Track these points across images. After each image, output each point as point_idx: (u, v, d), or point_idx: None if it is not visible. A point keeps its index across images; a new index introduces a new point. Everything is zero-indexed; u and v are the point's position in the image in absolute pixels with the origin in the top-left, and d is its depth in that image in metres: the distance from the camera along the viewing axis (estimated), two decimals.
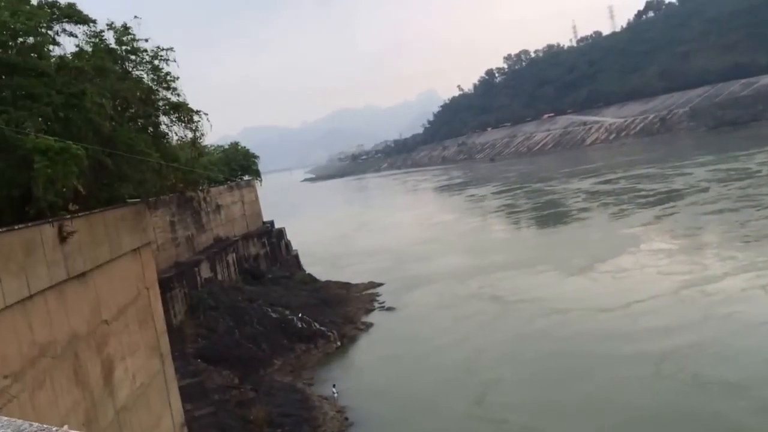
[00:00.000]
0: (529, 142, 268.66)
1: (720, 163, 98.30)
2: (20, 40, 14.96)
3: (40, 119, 13.68)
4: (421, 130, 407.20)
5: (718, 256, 43.47)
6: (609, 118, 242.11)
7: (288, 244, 61.74)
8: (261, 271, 51.38)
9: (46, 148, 12.84)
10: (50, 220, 13.79)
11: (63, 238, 14.44)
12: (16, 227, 13.20)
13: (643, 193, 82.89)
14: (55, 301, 15.26)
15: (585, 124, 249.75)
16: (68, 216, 14.27)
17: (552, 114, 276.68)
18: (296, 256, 60.92)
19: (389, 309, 44.62)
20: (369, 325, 41.59)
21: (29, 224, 13.59)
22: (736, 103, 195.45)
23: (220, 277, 42.87)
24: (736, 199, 64.08)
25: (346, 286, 52.16)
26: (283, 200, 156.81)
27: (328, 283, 52.76)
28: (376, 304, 46.33)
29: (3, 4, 14.74)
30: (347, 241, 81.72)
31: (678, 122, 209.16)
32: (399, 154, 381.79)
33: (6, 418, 1.74)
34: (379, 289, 50.36)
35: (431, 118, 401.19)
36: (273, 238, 58.32)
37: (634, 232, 57.56)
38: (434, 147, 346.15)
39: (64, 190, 13.11)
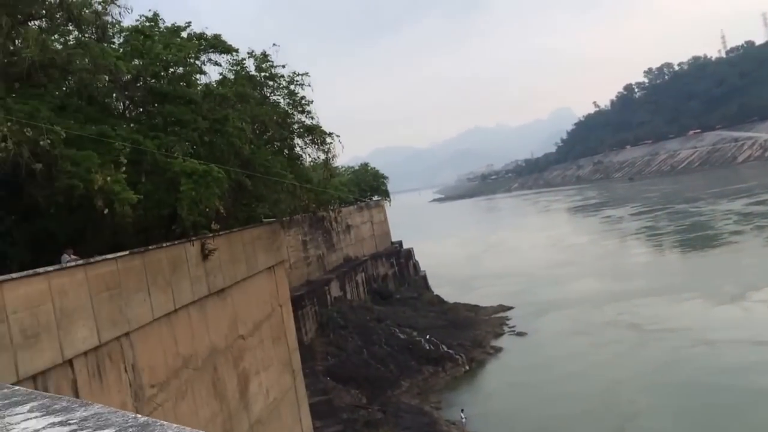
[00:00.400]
0: (673, 160, 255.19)
1: None
2: (171, 70, 16.31)
3: (187, 144, 14.81)
4: (553, 149, 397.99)
5: None
6: (764, 133, 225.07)
7: (416, 265, 62.25)
8: (389, 291, 52.13)
9: (192, 171, 13.89)
10: (193, 238, 14.85)
11: (205, 255, 15.50)
12: (164, 245, 14.34)
13: None
14: (197, 316, 16.35)
15: (736, 140, 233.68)
16: (210, 234, 15.29)
17: (698, 130, 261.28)
18: (424, 277, 61.25)
19: (520, 334, 43.74)
20: (498, 350, 40.97)
21: (175, 242, 14.71)
22: None
23: (349, 296, 43.96)
24: None
25: (475, 308, 51.73)
26: (412, 221, 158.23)
27: (457, 305, 52.56)
28: (506, 328, 45.57)
29: (157, 37, 16.15)
30: (476, 262, 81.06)
31: None
32: (530, 174, 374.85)
33: (176, 425, 1.98)
34: (509, 313, 49.54)
35: (564, 136, 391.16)
36: (401, 258, 59.04)
37: None
38: (568, 166, 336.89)
39: (207, 210, 14.07)
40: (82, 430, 2.14)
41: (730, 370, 30.17)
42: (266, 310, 19.82)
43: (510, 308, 50.81)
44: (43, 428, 2.29)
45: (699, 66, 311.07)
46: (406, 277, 58.67)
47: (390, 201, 59.00)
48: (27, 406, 2.23)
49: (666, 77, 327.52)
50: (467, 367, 37.97)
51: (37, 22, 13.91)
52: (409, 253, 61.66)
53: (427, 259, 66.82)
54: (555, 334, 42.34)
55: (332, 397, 31.50)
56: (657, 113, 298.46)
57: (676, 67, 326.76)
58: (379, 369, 36.19)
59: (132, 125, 15.38)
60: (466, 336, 43.27)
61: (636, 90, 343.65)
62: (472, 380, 36.58)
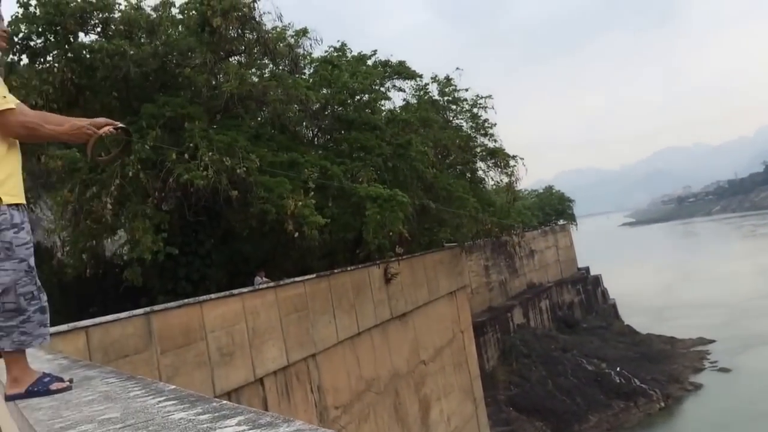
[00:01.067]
0: None
1: None
2: (357, 98, 16.89)
3: (372, 169, 15.18)
4: (761, 169, 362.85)
5: None
6: None
7: (605, 292, 59.23)
8: (575, 319, 49.98)
9: (377, 196, 14.18)
10: (377, 262, 15.09)
11: (388, 279, 15.71)
12: (349, 268, 14.74)
13: None
14: (380, 339, 16.57)
15: None
16: (393, 259, 15.47)
17: None
18: (613, 306, 58.04)
19: (723, 370, 39.88)
20: (698, 386, 37.62)
21: (360, 266, 15.06)
22: None
23: (532, 323, 42.69)
24: None
25: (671, 341, 48.06)
26: (600, 246, 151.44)
27: (650, 336, 49.12)
28: (707, 363, 41.78)
29: (344, 66, 16.81)
30: (671, 291, 75.49)
31: None
32: (734, 196, 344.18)
33: None
34: (709, 347, 45.40)
35: None
36: (588, 285, 56.48)
37: None
38: None
39: (391, 234, 14.26)
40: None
41: None
42: (447, 335, 19.69)
43: (711, 341, 46.57)
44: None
45: None
46: (594, 305, 55.94)
47: (576, 225, 56.75)
48: (235, 420, 2.25)
49: None
50: (662, 404, 35.21)
51: (236, 58, 15.02)
52: (597, 280, 58.82)
53: (616, 287, 63.31)
54: (764, 371, 38.07)
55: (515, 428, 30.59)
56: None
57: None
58: (565, 401, 34.62)
59: (320, 152, 16.08)
60: (661, 370, 40.28)
61: None
62: (669, 418, 33.83)
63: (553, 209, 56.27)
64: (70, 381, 2.76)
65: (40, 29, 13.45)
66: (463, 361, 21.15)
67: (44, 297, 2.80)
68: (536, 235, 49.86)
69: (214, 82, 14.21)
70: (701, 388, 37.48)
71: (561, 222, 57.72)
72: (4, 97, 2.72)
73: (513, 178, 20.98)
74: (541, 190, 58.64)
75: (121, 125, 3.03)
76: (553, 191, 58.57)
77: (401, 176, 15.97)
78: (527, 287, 45.94)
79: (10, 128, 2.75)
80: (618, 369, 38.12)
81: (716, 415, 32.60)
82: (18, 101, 2.83)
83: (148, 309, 10.19)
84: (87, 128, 2.89)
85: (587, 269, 59.71)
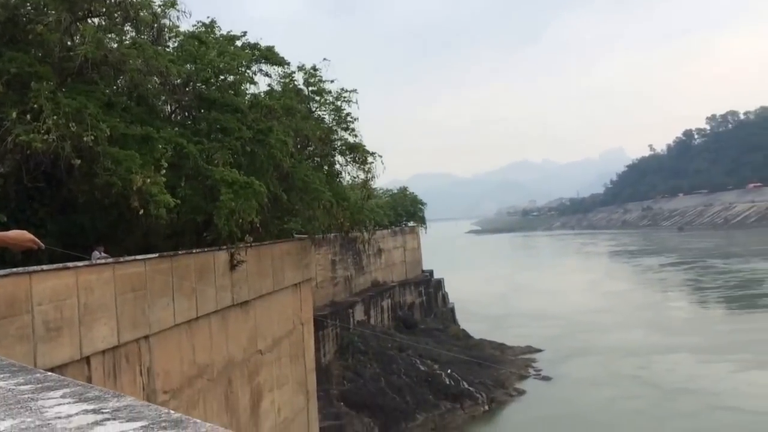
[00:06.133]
0: (728, 213, 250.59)
1: None
2: (222, 77, 16.92)
3: (228, 152, 15.33)
4: (601, 190, 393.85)
5: None
6: None
7: (445, 296, 62.14)
8: (414, 320, 52.12)
9: (233, 181, 14.37)
10: (224, 247, 15.29)
11: (233, 266, 15.94)
12: (194, 251, 14.82)
13: None
14: (218, 326, 16.76)
15: None
16: (241, 245, 15.73)
17: (759, 183, 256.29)
18: (452, 310, 61.08)
19: (545, 378, 43.37)
20: (521, 392, 40.66)
21: (205, 249, 15.18)
22: None
23: (373, 321, 44.11)
24: None
25: (501, 347, 51.38)
26: (445, 250, 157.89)
27: (483, 341, 52.26)
28: (532, 371, 45.21)
29: (212, 44, 16.78)
30: (507, 300, 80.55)
31: None
32: (574, 214, 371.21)
33: (209, 424, 2.14)
34: (536, 355, 49.13)
35: (614, 177, 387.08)
36: (431, 288, 59.03)
37: None
38: (614, 209, 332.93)
39: (241, 221, 14.51)
40: (114, 419, 2.28)
41: None
42: (288, 326, 20.16)
43: (539, 350, 50.38)
44: (76, 414, 2.45)
45: (766, 116, 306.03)
46: (434, 307, 58.59)
47: (425, 228, 59.06)
48: (60, 392, 2.33)
49: (730, 125, 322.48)
50: (487, 407, 37.73)
51: (95, 20, 14.59)
52: (440, 283, 61.61)
53: (456, 291, 66.65)
54: (580, 381, 41.93)
55: (344, 423, 31.60)
56: (716, 162, 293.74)
57: (742, 116, 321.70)
58: (395, 399, 36.17)
59: (176, 129, 15.96)
60: (490, 375, 42.99)
61: (696, 136, 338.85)
62: (491, 421, 36.33)
63: (405, 210, 58.23)
64: None
65: None
66: (301, 354, 21.72)
67: None
68: (386, 234, 51.45)
69: (69, 43, 13.74)
70: (524, 394, 40.49)
71: (411, 224, 59.85)
72: None
73: (370, 175, 21.74)
74: (396, 191, 60.49)
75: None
76: (407, 193, 60.60)
77: (258, 162, 16.21)
78: (372, 285, 47.36)
79: None
80: (449, 371, 40.25)
81: (533, 421, 35.50)
82: None
83: None
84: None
85: (431, 272, 62.35)
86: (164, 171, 13.46)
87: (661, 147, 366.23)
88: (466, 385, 39.17)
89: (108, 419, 2.39)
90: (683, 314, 66.68)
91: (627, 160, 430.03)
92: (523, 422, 35.88)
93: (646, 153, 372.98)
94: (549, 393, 40.47)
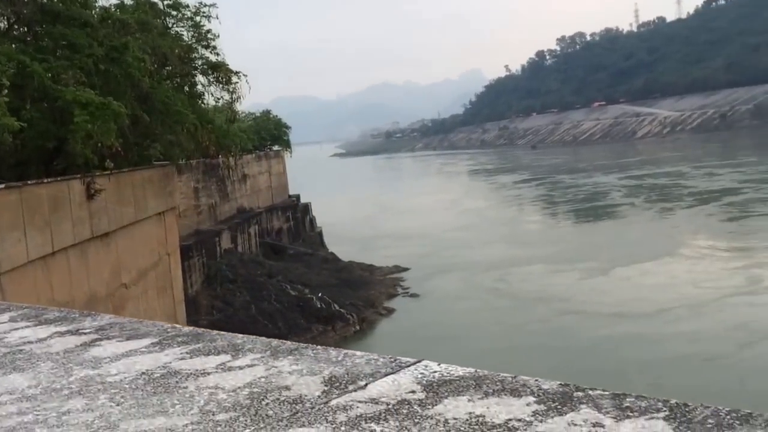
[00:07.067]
0: (576, 131, 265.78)
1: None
2: None
3: (80, 71, 14.13)
4: (461, 111, 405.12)
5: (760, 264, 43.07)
6: (664, 110, 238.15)
7: (313, 220, 62.36)
8: (283, 246, 52.06)
9: (87, 102, 13.27)
10: (79, 176, 14.31)
11: (90, 195, 14.99)
12: (45, 180, 13.76)
13: (688, 191, 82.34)
14: (77, 260, 15.87)
15: (638, 115, 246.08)
16: (97, 173, 14.79)
17: (603, 102, 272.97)
18: (320, 234, 61.49)
19: (413, 296, 44.97)
20: (391, 311, 42.02)
21: (59, 178, 14.14)
22: None
23: (240, 249, 43.61)
24: None
25: (370, 268, 52.52)
26: (311, 174, 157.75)
27: (351, 264, 53.15)
28: (400, 290, 46.68)
29: None
30: (373, 222, 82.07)
31: (739, 120, 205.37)
32: (436, 135, 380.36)
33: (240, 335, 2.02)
34: (404, 274, 50.68)
35: (473, 98, 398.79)
36: (298, 212, 58.94)
37: (671, 232, 57.41)
38: (474, 129, 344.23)
39: (100, 146, 13.58)
40: (109, 339, 2.05)
41: (582, 339, 32.53)
42: (153, 258, 19.47)
43: (406, 269, 51.94)
44: (50, 337, 2.19)
45: (610, 38, 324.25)
46: (302, 232, 58.70)
47: (291, 152, 58.42)
48: (6, 315, 2.13)
49: (578, 47, 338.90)
50: (358, 327, 38.74)
51: None
52: (307, 207, 61.62)
53: (323, 215, 67.03)
54: (445, 296, 43.90)
55: None
56: (565, 83, 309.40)
57: (589, 38, 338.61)
58: (267, 326, 36.29)
59: (16, 45, 14.48)
60: (360, 296, 43.98)
61: (548, 57, 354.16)
62: (362, 341, 37.35)
63: (269, 134, 57.19)
64: None
65: None
66: (168, 286, 21.14)
67: None
68: (250, 159, 50.44)
69: None
70: (394, 312, 41.88)
71: (276, 148, 58.97)
72: None
73: (235, 96, 20.83)
74: (258, 114, 59.08)
75: None
76: (271, 116, 59.39)
77: (114, 83, 15.08)
78: (237, 212, 46.57)
79: None
80: (320, 294, 40.78)
81: (403, 337, 36.88)
82: None
83: None
84: None
85: (298, 197, 62.17)
86: (6, 92, 12.25)
87: (516, 68, 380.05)
88: (337, 308, 39.89)
89: (98, 339, 2.19)
90: (537, 227, 70.99)
91: (485, 80, 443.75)
92: (393, 338, 37.21)
93: (503, 74, 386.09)
94: (417, 309, 42.11)
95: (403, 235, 68.44)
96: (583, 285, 43.20)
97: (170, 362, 2.13)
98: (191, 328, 2.09)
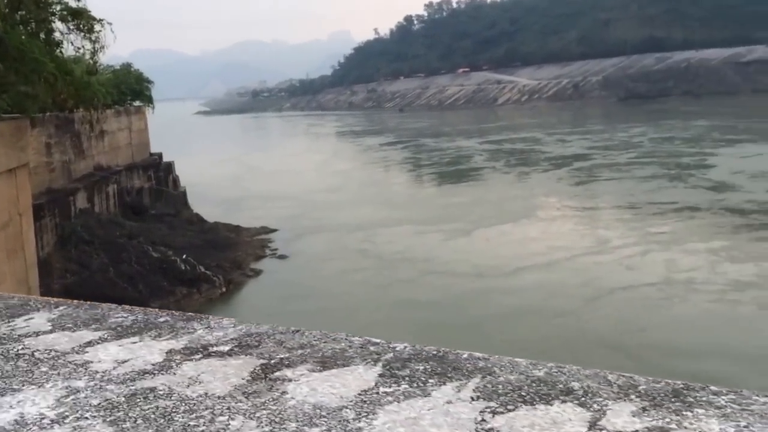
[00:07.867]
0: (441, 95, 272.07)
1: (619, 132, 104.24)
2: None
3: None
4: (329, 72, 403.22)
5: (609, 226, 46.48)
6: (524, 79, 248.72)
7: (176, 180, 60.43)
8: (144, 206, 50.21)
9: None
10: None
11: None
12: None
13: (543, 157, 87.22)
14: None
15: (499, 82, 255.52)
16: None
17: (467, 69, 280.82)
18: (184, 193, 59.67)
19: (281, 257, 44.88)
20: (258, 272, 41.76)
21: None
22: (648, 76, 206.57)
23: (97, 209, 41.67)
24: (646, 167, 68.22)
25: (237, 229, 51.77)
26: (174, 132, 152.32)
27: (217, 224, 52.16)
28: (268, 251, 46.40)
29: None
30: (240, 182, 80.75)
31: (590, 90, 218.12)
32: (304, 95, 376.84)
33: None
34: (272, 236, 50.41)
35: (342, 60, 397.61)
36: (160, 171, 56.91)
37: (527, 194, 60.73)
38: (342, 91, 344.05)
39: None
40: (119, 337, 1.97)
41: (444, 296, 34.10)
42: (3, 218, 18.29)
43: (274, 230, 51.64)
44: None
45: (475, 6, 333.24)
46: (165, 192, 56.76)
47: (153, 108, 56.04)
48: None
49: (444, 13, 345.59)
50: (224, 289, 38.25)
51: None
52: (170, 166, 59.55)
53: (188, 175, 65.10)
54: (313, 257, 44.15)
55: None
56: (432, 48, 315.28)
57: (455, 5, 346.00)
58: (127, 289, 35.07)
59: None
60: (226, 257, 43.34)
61: (415, 22, 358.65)
62: (228, 303, 36.97)
63: (130, 89, 54.43)
64: None
65: None
66: (20, 248, 19.94)
67: None
68: (109, 114, 47.86)
69: None
70: (261, 273, 41.64)
71: (137, 103, 56.35)
72: None
73: (98, 46, 19.53)
74: (118, 67, 56.04)
75: None
76: (132, 70, 56.53)
77: None
78: (95, 170, 44.27)
79: None
80: (184, 256, 39.79)
81: (269, 298, 36.88)
82: None
83: None
84: None
85: (160, 155, 59.95)
86: None
87: (385, 32, 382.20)
88: (203, 269, 39.13)
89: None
90: (403, 189, 72.61)
91: (354, 42, 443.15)
92: (259, 299, 37.13)
93: (372, 37, 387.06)
94: (284, 270, 42.12)
95: (270, 196, 67.88)
96: (446, 246, 44.79)
97: None
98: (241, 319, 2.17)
